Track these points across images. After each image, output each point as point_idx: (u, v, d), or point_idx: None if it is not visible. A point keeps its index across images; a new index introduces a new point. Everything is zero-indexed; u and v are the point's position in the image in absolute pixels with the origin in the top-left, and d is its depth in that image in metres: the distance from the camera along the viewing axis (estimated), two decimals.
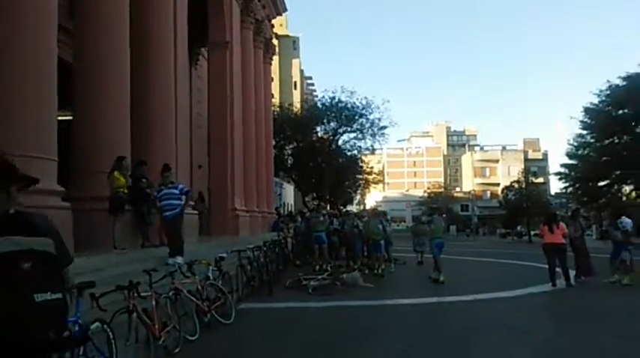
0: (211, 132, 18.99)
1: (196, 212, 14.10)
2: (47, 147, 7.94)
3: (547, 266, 16.80)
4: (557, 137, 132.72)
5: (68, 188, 10.81)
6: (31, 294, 1.79)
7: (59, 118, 11.07)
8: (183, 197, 9.56)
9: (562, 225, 12.36)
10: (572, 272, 12.69)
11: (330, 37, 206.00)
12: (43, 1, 7.93)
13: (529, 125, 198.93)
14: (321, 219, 16.74)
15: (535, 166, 76.76)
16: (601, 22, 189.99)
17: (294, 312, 9.48)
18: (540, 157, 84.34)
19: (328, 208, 37.43)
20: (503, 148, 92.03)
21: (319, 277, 12.10)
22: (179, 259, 8.73)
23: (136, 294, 5.37)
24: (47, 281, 1.86)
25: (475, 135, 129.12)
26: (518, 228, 55.04)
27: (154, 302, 5.88)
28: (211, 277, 7.99)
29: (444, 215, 14.17)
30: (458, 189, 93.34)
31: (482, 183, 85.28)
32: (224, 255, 8.86)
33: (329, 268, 14.48)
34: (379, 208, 55.40)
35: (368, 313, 9.39)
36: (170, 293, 6.62)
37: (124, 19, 10.76)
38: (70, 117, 10.44)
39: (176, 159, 12.77)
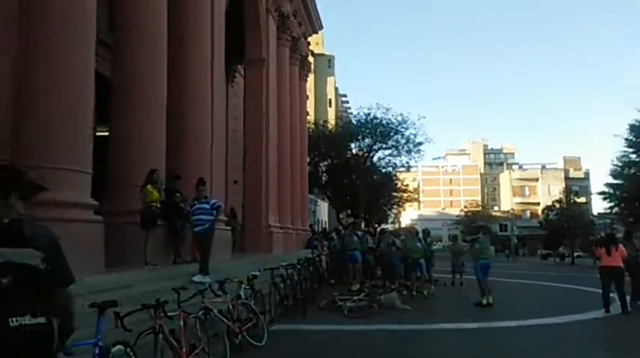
0: (246, 148, 18.89)
1: (229, 228, 13.88)
2: (81, 159, 7.85)
3: (598, 290, 15.89)
4: (599, 156, 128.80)
5: (102, 201, 10.86)
6: (5, 318, 1.46)
7: (99, 133, 11.20)
8: (214, 212, 9.32)
9: (621, 247, 11.52)
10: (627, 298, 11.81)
11: (365, 55, 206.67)
12: (79, 14, 7.89)
13: (569, 143, 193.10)
14: (355, 238, 16.19)
15: (577, 185, 74.06)
16: None
17: (328, 336, 9.05)
18: (582, 176, 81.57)
19: (363, 226, 36.94)
20: (543, 167, 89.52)
21: (355, 298, 11.64)
22: (207, 278, 8.45)
23: (162, 314, 5.08)
24: (27, 302, 1.54)
25: (513, 154, 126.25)
26: (560, 248, 53.02)
27: (181, 323, 5.58)
28: (243, 296, 7.67)
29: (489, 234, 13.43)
30: (496, 208, 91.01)
31: (522, 203, 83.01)
32: (257, 272, 8.54)
33: (365, 288, 13.98)
34: (415, 226, 54.54)
35: (407, 338, 8.87)
36: (200, 313, 6.32)
37: (162, 33, 10.74)
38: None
39: (211, 174, 12.62)
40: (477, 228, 13.49)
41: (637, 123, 37.94)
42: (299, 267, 11.84)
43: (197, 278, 8.67)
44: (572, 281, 21.05)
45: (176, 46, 12.02)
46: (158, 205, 8.82)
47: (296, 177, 23.14)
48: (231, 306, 7.20)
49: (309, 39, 27.44)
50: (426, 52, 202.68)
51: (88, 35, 8.14)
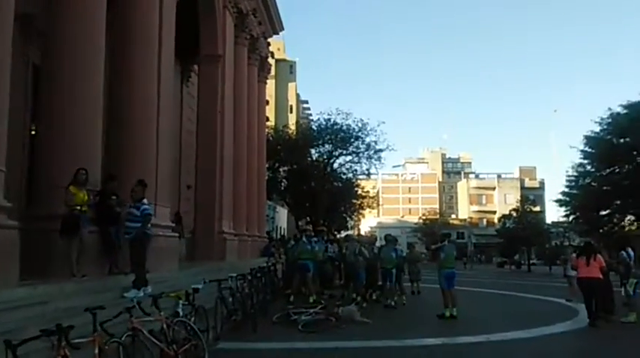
0: (199, 149, 17.77)
1: (176, 235, 12.77)
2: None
3: (559, 300, 15.60)
4: (554, 167, 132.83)
5: (29, 205, 9.63)
6: None
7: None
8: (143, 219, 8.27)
9: (599, 257, 11.00)
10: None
11: (326, 62, 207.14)
12: None
13: (524, 154, 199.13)
14: (308, 246, 15.03)
15: (532, 194, 75.56)
16: (601, 51, 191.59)
17: (279, 355, 8.15)
18: (537, 186, 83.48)
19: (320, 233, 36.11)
20: (499, 176, 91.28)
21: (311, 311, 10.74)
22: (142, 292, 7.42)
23: (65, 343, 4.06)
24: None
25: (470, 163, 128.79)
26: (516, 256, 53.71)
27: (96, 350, 4.58)
28: (181, 313, 6.67)
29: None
30: (453, 216, 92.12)
31: (479, 211, 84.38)
32: (199, 285, 7.54)
33: (322, 300, 13.11)
34: (374, 233, 54.10)
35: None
36: (124, 336, 5.32)
37: (99, 18, 9.66)
38: None
39: (156, 177, 11.52)
40: (443, 236, 12.82)
41: (592, 134, 38.68)
42: (250, 277, 10.87)
43: (130, 293, 7.62)
44: (532, 291, 20.86)
45: (118, 37, 11.02)
46: (84, 208, 7.71)
47: (253, 181, 22.12)
48: (165, 325, 6.19)
49: (271, 45, 26.54)
50: (387, 62, 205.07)
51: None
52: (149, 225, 8.52)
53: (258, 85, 24.03)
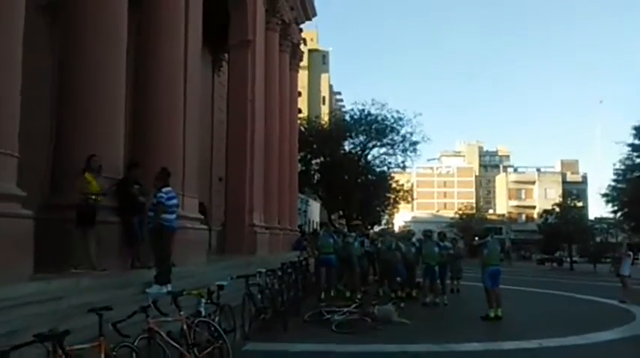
0: (229, 139, 17.23)
1: (205, 227, 12.30)
2: (5, 140, 6.25)
3: (611, 301, 14.42)
4: (597, 160, 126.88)
5: (50, 194, 9.23)
6: None
7: None
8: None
9: None
10: None
11: (361, 53, 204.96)
12: None
13: (565, 147, 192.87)
14: (330, 239, 14.04)
15: (574, 189, 72.83)
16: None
17: None
18: (579, 180, 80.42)
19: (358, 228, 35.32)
20: (538, 170, 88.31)
21: (345, 310, 10.03)
22: (165, 288, 6.87)
23: (60, 350, 3.48)
24: None
25: (508, 156, 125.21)
26: (557, 253, 51.69)
27: (102, 357, 4.01)
28: (203, 312, 6.08)
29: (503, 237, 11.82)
30: (491, 211, 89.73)
31: (517, 206, 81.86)
32: (224, 282, 6.93)
33: (356, 298, 12.36)
34: (409, 228, 52.99)
35: None
36: (138, 339, 4.75)
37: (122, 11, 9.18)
38: None
39: (183, 167, 11.04)
40: (486, 230, 11.87)
41: None
42: (280, 272, 10.24)
43: (153, 289, 7.10)
44: (579, 290, 19.58)
45: (142, 18, 10.58)
46: (98, 198, 7.19)
47: (285, 173, 21.54)
48: (185, 326, 5.62)
49: (304, 34, 25.75)
50: (423, 54, 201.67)
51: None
52: (173, 216, 7.94)
53: (290, 73, 23.38)
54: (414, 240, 16.65)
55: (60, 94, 8.82)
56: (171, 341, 5.31)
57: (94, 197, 7.09)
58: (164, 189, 7.66)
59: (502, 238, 70.70)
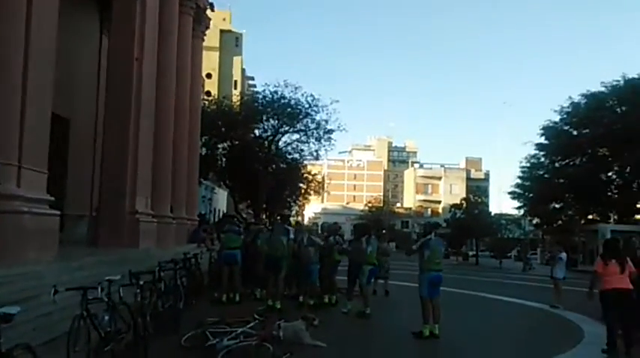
0: (108, 104, 13.88)
1: (57, 213, 9.09)
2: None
3: (543, 305, 13.13)
4: (498, 159, 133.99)
5: None
6: None
7: None
8: None
9: (629, 262, 8.15)
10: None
11: (276, 38, 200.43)
12: None
13: (470, 145, 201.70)
14: (233, 234, 11.78)
15: (477, 186, 75.33)
16: (552, 43, 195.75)
17: None
18: (482, 177, 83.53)
19: (263, 218, 32.79)
20: (443, 166, 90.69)
21: (239, 330, 7.31)
22: None
23: None
24: None
25: (415, 152, 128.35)
26: (463, 248, 52.38)
27: None
28: None
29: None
30: (398, 204, 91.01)
31: (424, 200, 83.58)
32: (13, 310, 4.00)
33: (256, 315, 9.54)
34: (319, 220, 51.29)
35: None
36: None
37: None
38: None
39: (21, 130, 7.86)
40: (430, 226, 9.46)
41: (551, 124, 37.33)
42: (156, 275, 7.40)
43: None
44: (503, 291, 18.14)
45: None
46: None
47: (182, 152, 18.38)
48: None
49: (216, 14, 22.50)
50: (338, 41, 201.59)
51: None
52: None
53: (193, 40, 20.16)
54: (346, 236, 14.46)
55: None
56: None
57: None
58: None
59: (407, 231, 71.63)
